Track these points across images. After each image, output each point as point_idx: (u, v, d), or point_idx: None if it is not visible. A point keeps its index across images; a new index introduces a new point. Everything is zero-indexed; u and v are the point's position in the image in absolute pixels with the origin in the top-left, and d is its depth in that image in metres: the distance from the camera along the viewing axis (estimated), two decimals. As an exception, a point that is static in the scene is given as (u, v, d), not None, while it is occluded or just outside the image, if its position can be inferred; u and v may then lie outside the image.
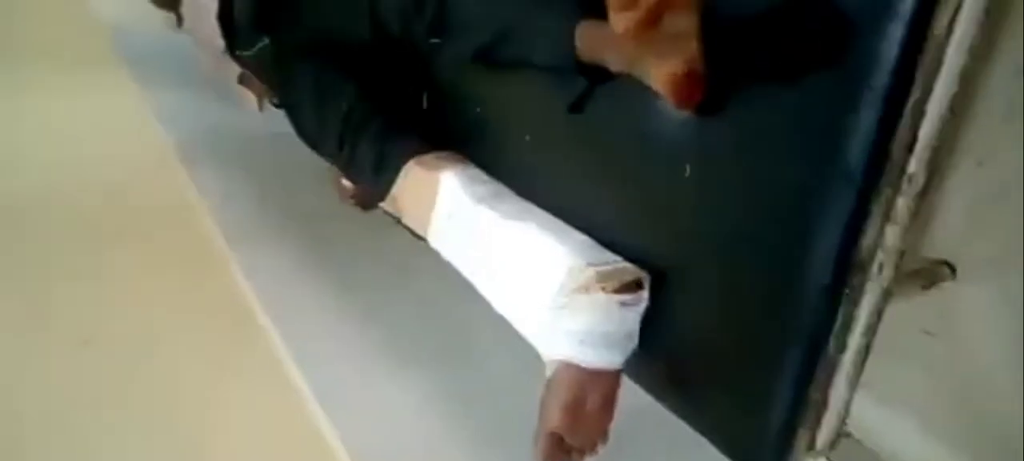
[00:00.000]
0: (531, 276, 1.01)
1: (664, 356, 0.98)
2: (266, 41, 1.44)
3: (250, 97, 1.86)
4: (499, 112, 1.21)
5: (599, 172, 1.05)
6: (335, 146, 1.31)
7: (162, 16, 2.51)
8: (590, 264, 0.97)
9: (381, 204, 1.25)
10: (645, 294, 0.96)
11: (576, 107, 1.03)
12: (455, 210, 1.13)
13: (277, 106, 1.68)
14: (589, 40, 0.93)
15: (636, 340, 0.97)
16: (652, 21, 0.77)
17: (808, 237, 0.81)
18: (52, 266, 1.68)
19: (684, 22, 0.79)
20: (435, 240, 1.17)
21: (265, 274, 1.73)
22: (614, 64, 0.89)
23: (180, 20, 2.44)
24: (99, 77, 2.56)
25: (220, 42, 1.58)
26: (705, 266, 0.93)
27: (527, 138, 1.15)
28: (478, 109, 1.25)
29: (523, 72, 1.10)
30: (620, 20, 0.78)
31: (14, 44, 2.51)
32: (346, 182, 1.52)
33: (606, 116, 1.01)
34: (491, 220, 1.09)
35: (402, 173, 1.21)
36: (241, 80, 1.84)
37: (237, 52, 1.56)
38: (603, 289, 0.94)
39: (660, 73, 0.83)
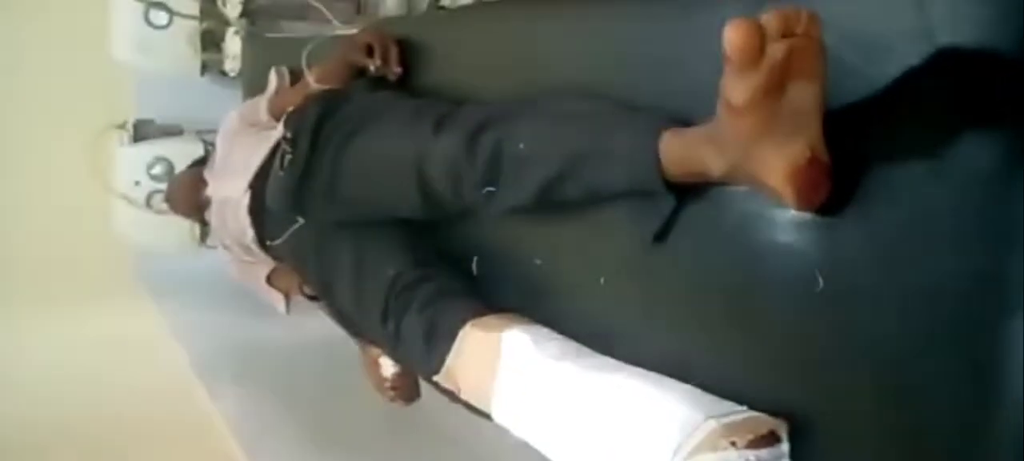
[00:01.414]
0: (634, 444, 0.81)
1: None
2: (300, 222, 1.33)
3: (278, 297, 1.74)
4: (564, 261, 1.07)
5: (699, 308, 0.88)
6: (378, 322, 1.16)
7: (182, 240, 2.49)
8: (710, 416, 0.77)
9: (435, 378, 1.07)
10: (785, 447, 0.76)
11: (662, 234, 0.88)
12: (525, 371, 0.95)
13: (310, 297, 1.55)
14: (677, 150, 0.80)
15: (781, 510, 0.75)
16: (777, 86, 0.65)
17: (999, 351, 0.63)
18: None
19: (808, 94, 0.67)
20: (500, 411, 0.98)
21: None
22: (715, 167, 0.76)
23: (204, 231, 2.41)
24: (119, 302, 2.47)
25: (250, 234, 1.48)
26: (859, 404, 0.73)
27: (601, 282, 1.00)
28: (538, 261, 1.10)
29: (590, 209, 0.97)
30: (740, 87, 0.66)
31: (33, 269, 2.46)
32: (385, 372, 1.35)
33: (700, 240, 0.87)
34: (573, 377, 0.90)
35: (458, 339, 1.04)
36: (269, 281, 1.74)
37: (268, 243, 1.45)
38: (734, 444, 0.74)
39: (778, 164, 0.69)
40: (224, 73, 2.35)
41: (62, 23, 2.43)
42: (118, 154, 2.35)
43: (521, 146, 0.96)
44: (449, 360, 1.04)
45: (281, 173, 1.33)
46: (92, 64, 2.43)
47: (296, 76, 1.79)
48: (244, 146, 1.60)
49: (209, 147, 2.15)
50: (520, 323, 1.03)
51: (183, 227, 2.44)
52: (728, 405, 0.80)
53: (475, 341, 1.03)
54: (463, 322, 1.05)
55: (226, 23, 2.31)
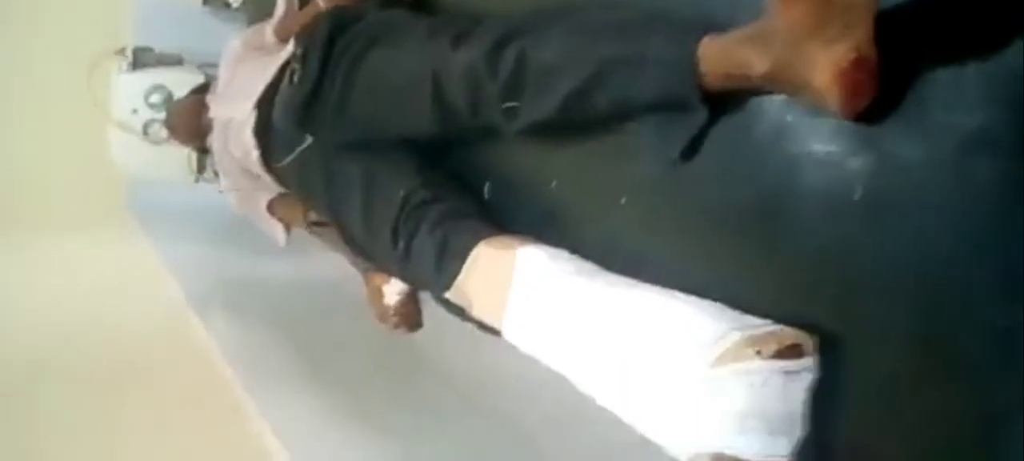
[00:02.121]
0: (655, 354, 0.79)
1: (843, 446, 0.74)
2: (309, 141, 1.29)
3: (277, 226, 1.71)
4: (582, 182, 1.04)
5: (725, 227, 0.86)
6: (388, 242, 1.14)
7: (177, 171, 2.45)
8: (734, 328, 0.75)
9: (446, 294, 1.04)
10: (811, 361, 0.74)
11: (692, 149, 0.86)
12: (539, 285, 0.93)
13: (314, 224, 1.53)
14: (717, 52, 0.77)
15: (804, 424, 0.73)
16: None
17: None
18: (65, 421, 1.51)
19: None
20: (512, 327, 0.95)
21: (286, 421, 1.52)
22: (758, 65, 0.73)
23: (201, 163, 2.37)
24: (112, 231, 2.43)
25: (255, 155, 1.45)
26: (891, 319, 0.71)
27: (622, 202, 0.97)
28: (554, 184, 1.08)
29: (613, 127, 0.94)
30: None
31: (25, 195, 2.41)
32: (389, 300, 1.32)
33: (730, 155, 0.84)
34: (590, 292, 0.88)
35: (470, 258, 1.02)
36: (270, 209, 1.71)
37: (275, 163, 1.42)
38: (758, 354, 0.72)
39: (826, 62, 0.67)
40: (227, 4, 2.29)
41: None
42: (116, 81, 2.29)
43: (546, 56, 0.92)
44: (461, 277, 1.02)
45: (290, 89, 1.30)
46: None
47: (304, 1, 1.74)
48: (249, 69, 1.56)
49: (210, 76, 2.10)
50: (534, 242, 1.00)
51: (179, 158, 2.39)
52: (754, 319, 0.78)
53: (488, 258, 1.00)
54: (476, 240, 1.03)
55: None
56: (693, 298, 0.83)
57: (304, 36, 1.33)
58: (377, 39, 1.19)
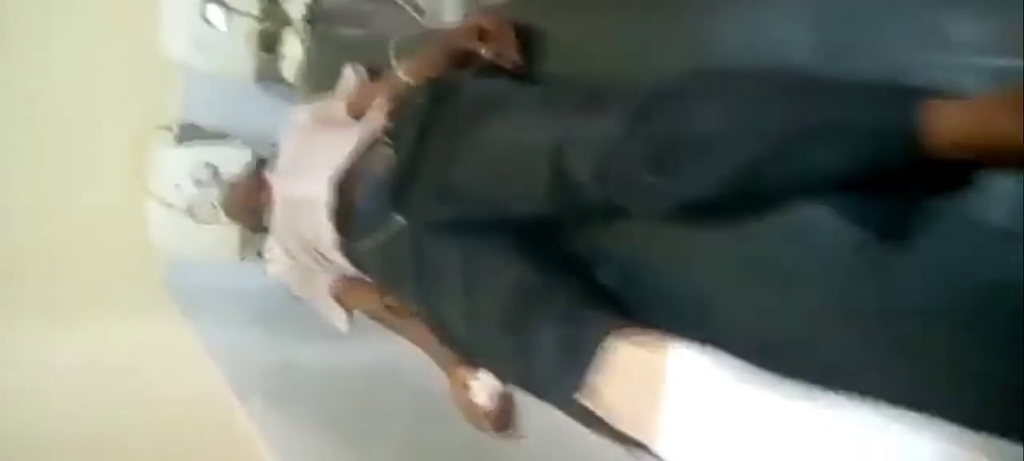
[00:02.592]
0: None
1: None
2: (402, 223, 1.18)
3: (339, 312, 1.58)
4: (738, 267, 0.91)
5: (933, 329, 0.73)
6: (496, 335, 1.01)
7: (221, 251, 2.34)
8: (981, 451, 0.61)
9: (575, 397, 0.90)
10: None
11: (895, 231, 0.73)
12: (702, 395, 0.79)
13: (389, 308, 1.40)
14: (956, 116, 0.65)
15: None
16: None
17: None
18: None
19: None
20: (671, 445, 0.81)
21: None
22: (1014, 133, 0.61)
23: (244, 243, 2.26)
24: (149, 311, 2.31)
25: (330, 237, 1.33)
26: None
27: (791, 292, 0.84)
28: (698, 267, 0.95)
29: (787, 201, 0.82)
30: None
31: (63, 274, 2.30)
32: (478, 397, 1.18)
33: (945, 241, 0.72)
34: (771, 407, 0.74)
35: (604, 356, 0.88)
36: (333, 293, 1.58)
37: (353, 245, 1.30)
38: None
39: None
40: (280, 78, 2.22)
41: (108, 13, 2.30)
42: (160, 156, 2.20)
43: (709, 124, 0.81)
44: (592, 377, 0.88)
45: (379, 168, 1.19)
46: (137, 60, 2.30)
47: (374, 74, 1.66)
48: (321, 144, 1.46)
49: (258, 154, 2.01)
50: (676, 339, 0.87)
51: (222, 237, 2.29)
52: (994, 439, 0.64)
53: (629, 357, 0.87)
54: (607, 333, 0.89)
55: (287, 24, 2.19)
56: (900, 412, 0.70)
57: (395, 111, 1.23)
58: (482, 113, 1.08)
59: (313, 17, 2.14)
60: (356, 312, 1.60)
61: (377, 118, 1.31)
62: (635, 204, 0.91)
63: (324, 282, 1.56)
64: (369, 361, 2.03)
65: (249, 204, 1.63)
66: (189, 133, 2.23)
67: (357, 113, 1.54)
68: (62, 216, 2.32)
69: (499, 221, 1.08)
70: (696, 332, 0.90)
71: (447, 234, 1.13)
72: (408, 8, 1.65)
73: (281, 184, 1.55)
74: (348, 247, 1.32)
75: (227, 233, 2.24)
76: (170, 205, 2.15)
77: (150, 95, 2.36)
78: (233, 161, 2.11)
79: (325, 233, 1.34)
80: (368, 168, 1.26)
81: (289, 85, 2.26)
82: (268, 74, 2.28)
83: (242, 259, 2.32)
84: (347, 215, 1.31)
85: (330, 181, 1.32)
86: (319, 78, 2.11)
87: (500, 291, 1.02)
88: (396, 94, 1.33)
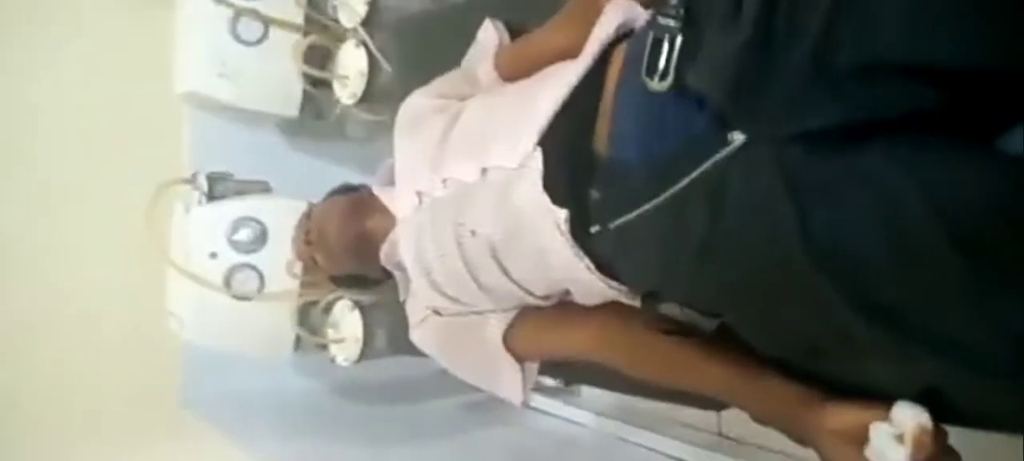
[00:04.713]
0: None
1: None
2: (737, 145, 0.67)
3: (513, 372, 1.05)
4: None
5: None
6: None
7: (270, 341, 1.77)
8: None
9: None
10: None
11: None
12: None
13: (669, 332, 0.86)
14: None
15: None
16: None
17: None
18: None
19: None
20: None
21: None
22: None
23: (300, 330, 1.71)
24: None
25: (554, 216, 0.80)
26: None
27: None
28: None
29: None
30: None
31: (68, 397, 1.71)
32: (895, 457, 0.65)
33: None
34: None
35: None
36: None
37: (609, 221, 0.78)
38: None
39: None
40: (336, 100, 1.71)
41: (107, 46, 1.80)
42: (185, 220, 1.66)
43: None
44: None
45: (655, 82, 0.70)
46: (143, 102, 1.79)
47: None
48: (480, 115, 0.97)
49: (312, 205, 1.48)
50: None
51: (271, 323, 1.73)
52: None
53: None
54: None
55: (340, 37, 1.71)
56: None
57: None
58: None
59: (373, 24, 1.67)
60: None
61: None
62: None
63: (492, 328, 1.02)
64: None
65: (362, 228, 1.10)
66: (221, 187, 1.69)
67: (511, 73, 1.05)
68: (61, 320, 1.74)
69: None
70: None
71: (834, 149, 0.62)
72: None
73: (409, 184, 1.03)
74: (584, 236, 0.81)
75: (272, 314, 1.68)
76: (202, 281, 1.59)
77: (159, 143, 1.83)
78: (285, 215, 1.57)
79: (542, 213, 0.82)
80: (627, 88, 0.77)
81: (337, 116, 1.76)
82: (316, 102, 1.78)
83: (296, 348, 1.75)
84: (577, 182, 0.81)
85: (534, 140, 0.83)
86: (390, 91, 1.63)
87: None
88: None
